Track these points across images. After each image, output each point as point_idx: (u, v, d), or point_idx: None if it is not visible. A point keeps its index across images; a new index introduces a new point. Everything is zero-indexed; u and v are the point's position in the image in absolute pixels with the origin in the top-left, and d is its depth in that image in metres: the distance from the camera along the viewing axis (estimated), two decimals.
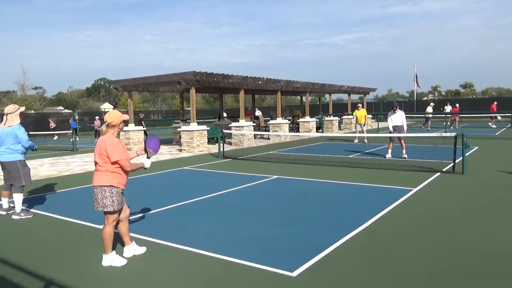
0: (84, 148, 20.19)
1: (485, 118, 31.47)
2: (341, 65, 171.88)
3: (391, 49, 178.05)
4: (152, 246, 4.95)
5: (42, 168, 12.50)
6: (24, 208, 6.81)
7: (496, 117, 28.10)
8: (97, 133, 26.37)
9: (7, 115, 6.55)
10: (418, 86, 45.42)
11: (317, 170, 10.59)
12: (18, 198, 6.54)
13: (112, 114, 4.34)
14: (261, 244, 4.92)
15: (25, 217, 6.50)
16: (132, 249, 4.67)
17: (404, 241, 4.91)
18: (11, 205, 6.87)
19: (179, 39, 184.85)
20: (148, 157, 4.68)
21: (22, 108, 6.76)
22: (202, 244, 4.91)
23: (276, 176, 9.69)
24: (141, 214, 6.45)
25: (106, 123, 4.32)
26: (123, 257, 4.53)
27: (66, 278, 4.06)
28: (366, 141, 18.11)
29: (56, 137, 29.22)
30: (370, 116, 32.48)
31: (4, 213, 6.82)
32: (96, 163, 4.36)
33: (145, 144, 4.74)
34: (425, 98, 54.29)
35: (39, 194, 8.42)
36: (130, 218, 6.28)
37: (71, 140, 26.55)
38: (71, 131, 26.94)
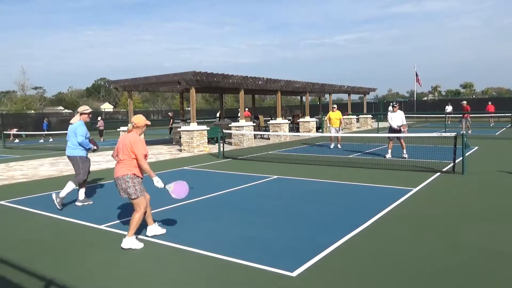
0: None
1: (485, 118, 31.47)
2: (341, 65, 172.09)
3: (392, 49, 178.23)
4: (152, 246, 4.96)
5: (42, 168, 12.50)
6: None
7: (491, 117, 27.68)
8: (101, 133, 26.34)
9: (79, 113, 7.25)
10: (419, 84, 44.64)
11: (317, 170, 10.59)
12: (69, 186, 6.99)
13: (138, 117, 5.11)
14: (261, 244, 4.92)
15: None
16: (154, 229, 5.29)
17: (404, 241, 4.91)
18: (85, 197, 7.36)
19: (180, 39, 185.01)
20: (165, 185, 5.14)
21: (89, 110, 7.39)
22: (202, 244, 4.91)
23: (276, 176, 9.69)
24: None
25: (133, 123, 5.04)
26: (147, 235, 5.24)
27: (66, 278, 4.07)
28: (339, 146, 16.12)
29: (16, 140, 28.75)
30: (370, 116, 32.41)
31: (80, 204, 7.22)
32: (117, 157, 5.05)
33: (174, 188, 5.26)
34: (425, 98, 54.23)
35: (39, 194, 8.42)
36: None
37: (40, 141, 26.52)
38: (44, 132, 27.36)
